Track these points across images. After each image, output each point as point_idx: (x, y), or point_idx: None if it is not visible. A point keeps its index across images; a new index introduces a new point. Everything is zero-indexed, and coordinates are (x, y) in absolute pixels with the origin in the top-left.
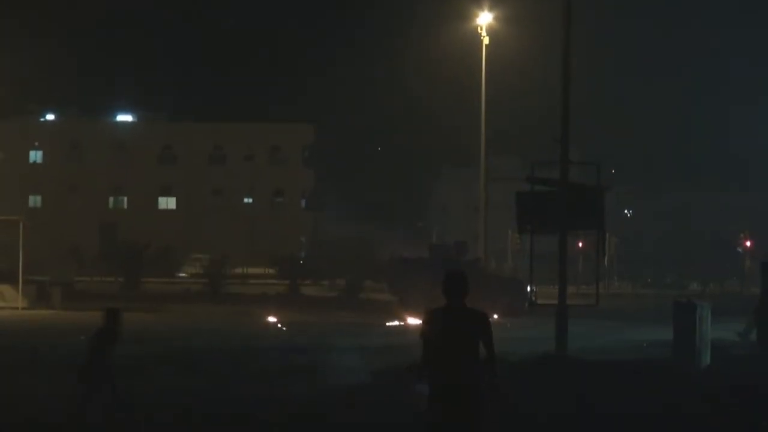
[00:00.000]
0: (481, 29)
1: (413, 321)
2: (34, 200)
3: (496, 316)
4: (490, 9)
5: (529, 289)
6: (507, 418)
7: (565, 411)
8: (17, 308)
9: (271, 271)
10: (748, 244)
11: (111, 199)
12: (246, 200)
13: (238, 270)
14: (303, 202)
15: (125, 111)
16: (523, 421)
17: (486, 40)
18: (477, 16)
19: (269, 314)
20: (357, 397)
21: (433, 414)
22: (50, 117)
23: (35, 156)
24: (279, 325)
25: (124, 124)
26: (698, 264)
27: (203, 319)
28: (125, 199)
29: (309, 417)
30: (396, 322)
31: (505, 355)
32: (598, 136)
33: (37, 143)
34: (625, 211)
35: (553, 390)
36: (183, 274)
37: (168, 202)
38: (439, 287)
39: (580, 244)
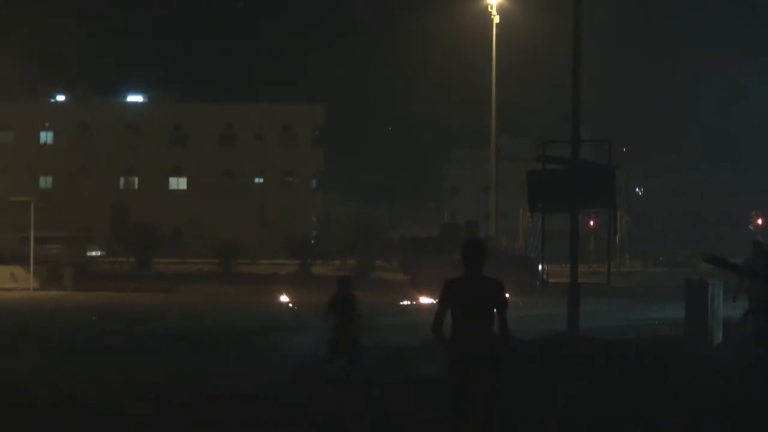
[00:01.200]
0: (492, 8)
1: (425, 300)
2: (45, 181)
3: (507, 295)
4: None
5: (540, 267)
6: (520, 398)
7: (577, 391)
8: (29, 289)
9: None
10: (759, 222)
11: (122, 180)
12: (257, 180)
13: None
14: (314, 183)
15: (136, 92)
16: (537, 400)
17: (496, 19)
18: None
19: (281, 294)
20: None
21: (454, 377)
22: (61, 98)
23: (46, 137)
24: (290, 305)
25: (134, 104)
26: (710, 242)
27: (214, 299)
28: (136, 179)
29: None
30: (408, 302)
31: (518, 334)
32: (610, 115)
33: (47, 124)
34: (637, 189)
35: (565, 368)
36: None
37: (179, 183)
38: (450, 266)
39: (592, 223)
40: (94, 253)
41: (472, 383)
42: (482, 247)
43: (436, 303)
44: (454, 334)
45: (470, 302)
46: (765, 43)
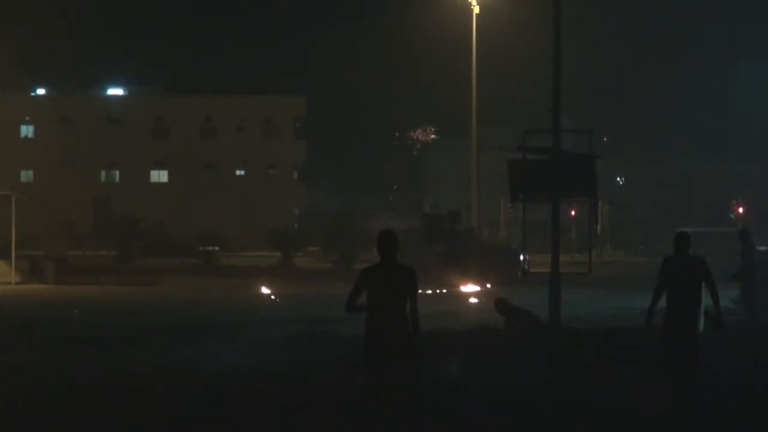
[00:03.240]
0: None
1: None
2: (26, 175)
3: (489, 285)
4: None
5: (522, 257)
6: (495, 385)
7: (555, 379)
8: (10, 283)
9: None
10: (740, 210)
11: (103, 173)
12: (238, 173)
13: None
14: (295, 174)
15: (116, 85)
16: (513, 390)
17: (476, 9)
18: None
19: (262, 287)
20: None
21: (371, 350)
22: (41, 91)
23: (27, 131)
24: (272, 297)
25: (115, 97)
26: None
27: (197, 292)
28: (117, 173)
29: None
30: None
31: (499, 324)
32: (591, 105)
33: (28, 118)
34: (618, 179)
35: (544, 358)
36: None
37: (160, 176)
38: (432, 257)
39: (573, 213)
40: None
41: (388, 369)
42: (394, 238)
43: (354, 285)
44: (369, 321)
45: (384, 289)
46: (748, 31)
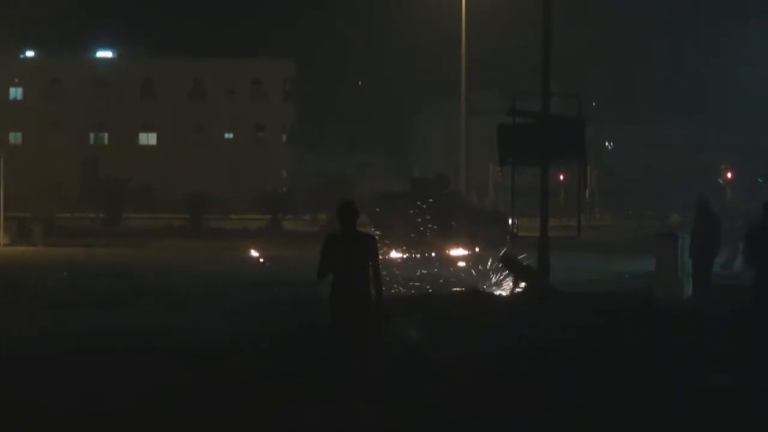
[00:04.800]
0: None
1: (395, 255)
2: (15, 137)
3: (477, 249)
4: None
5: (510, 221)
6: (485, 349)
7: (542, 343)
8: None
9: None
10: (729, 175)
11: (92, 136)
12: (227, 135)
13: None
14: (284, 137)
15: (105, 47)
16: (503, 352)
17: None
18: None
19: (251, 249)
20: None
21: (335, 311)
22: (30, 54)
23: (15, 93)
24: (261, 260)
25: (104, 60)
26: (680, 195)
27: (185, 254)
28: (106, 135)
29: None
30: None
31: (487, 288)
32: (581, 69)
33: (17, 80)
34: (607, 144)
35: (531, 322)
36: None
37: (149, 138)
38: (420, 220)
39: (562, 177)
40: None
41: (352, 333)
42: (353, 209)
43: (320, 253)
44: (334, 285)
45: (346, 256)
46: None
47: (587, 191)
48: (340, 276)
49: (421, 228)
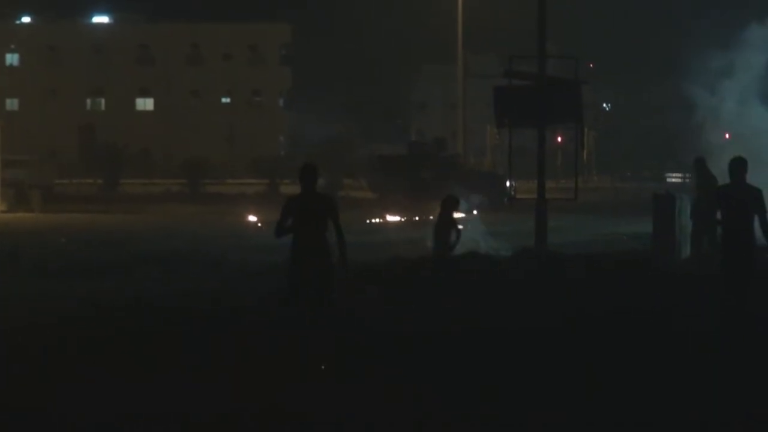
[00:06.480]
0: None
1: (393, 218)
2: (12, 103)
3: (475, 212)
4: None
5: (508, 184)
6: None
7: (541, 305)
8: None
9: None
10: (727, 136)
11: (88, 102)
12: (224, 100)
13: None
14: (281, 102)
15: (102, 12)
16: (501, 311)
17: None
18: None
19: (249, 214)
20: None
21: (293, 267)
22: (26, 20)
23: (12, 59)
24: (259, 225)
25: (100, 25)
26: (677, 156)
27: (183, 219)
28: (103, 101)
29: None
30: (377, 219)
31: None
32: (578, 30)
33: (13, 46)
34: (604, 105)
35: (530, 284)
36: None
37: (146, 104)
38: (419, 184)
39: (559, 139)
40: None
41: (307, 287)
42: (314, 170)
43: (281, 210)
44: (294, 243)
45: (306, 215)
46: None
47: (585, 153)
48: (299, 235)
49: (419, 191)
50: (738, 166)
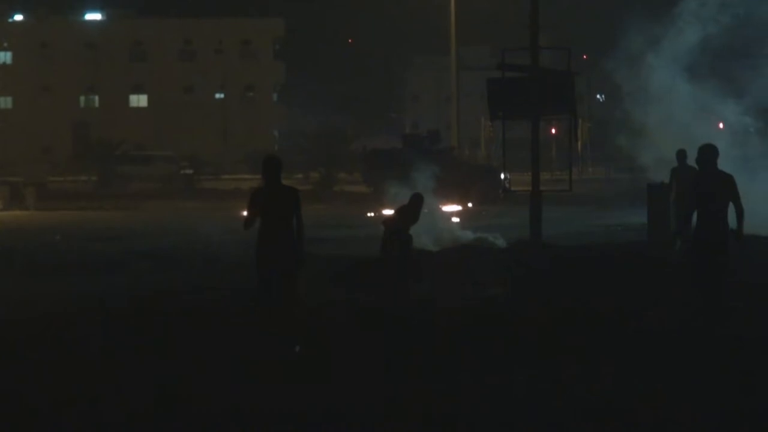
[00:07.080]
0: None
1: (388, 212)
2: (5, 101)
3: (470, 204)
4: None
5: (502, 176)
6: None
7: (536, 296)
8: None
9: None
10: (721, 125)
11: (82, 99)
12: (217, 95)
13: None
14: (275, 96)
15: (94, 9)
16: (494, 305)
17: None
18: None
19: (243, 209)
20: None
21: (259, 256)
22: (19, 17)
23: (4, 57)
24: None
25: (93, 22)
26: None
27: (178, 215)
28: (96, 98)
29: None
30: (372, 214)
31: (481, 242)
32: (571, 21)
33: (6, 44)
34: (598, 96)
35: (525, 275)
36: None
37: (139, 100)
38: (413, 177)
39: (553, 131)
40: None
41: (277, 278)
42: (278, 163)
43: (248, 203)
44: (260, 235)
45: (271, 207)
46: None
47: (579, 144)
48: (264, 226)
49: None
50: (708, 153)
